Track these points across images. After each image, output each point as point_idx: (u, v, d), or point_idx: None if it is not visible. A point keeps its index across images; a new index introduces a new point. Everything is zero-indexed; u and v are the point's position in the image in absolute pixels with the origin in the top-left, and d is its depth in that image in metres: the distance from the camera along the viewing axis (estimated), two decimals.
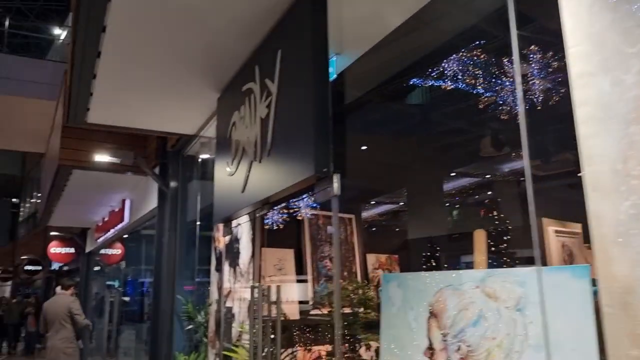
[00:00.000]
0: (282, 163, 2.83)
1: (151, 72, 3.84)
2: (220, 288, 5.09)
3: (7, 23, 17.55)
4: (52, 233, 12.30)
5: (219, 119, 4.11)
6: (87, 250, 11.96)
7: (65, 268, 15.50)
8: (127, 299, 8.51)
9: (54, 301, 6.51)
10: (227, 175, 3.75)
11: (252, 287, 3.35)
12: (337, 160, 2.49)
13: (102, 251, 11.89)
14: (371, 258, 5.50)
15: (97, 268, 12.46)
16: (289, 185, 2.71)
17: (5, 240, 26.17)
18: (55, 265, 15.52)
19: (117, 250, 11.94)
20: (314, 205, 4.45)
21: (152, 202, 6.64)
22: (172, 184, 5.85)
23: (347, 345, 3.96)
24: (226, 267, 4.96)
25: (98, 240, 10.37)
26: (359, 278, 5.14)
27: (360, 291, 4.53)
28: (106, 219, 9.45)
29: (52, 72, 14.12)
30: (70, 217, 10.50)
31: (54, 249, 12.36)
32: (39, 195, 21.55)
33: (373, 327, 4.06)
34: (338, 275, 2.42)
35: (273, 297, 3.28)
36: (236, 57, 3.56)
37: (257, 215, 3.46)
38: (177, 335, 5.39)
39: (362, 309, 4.37)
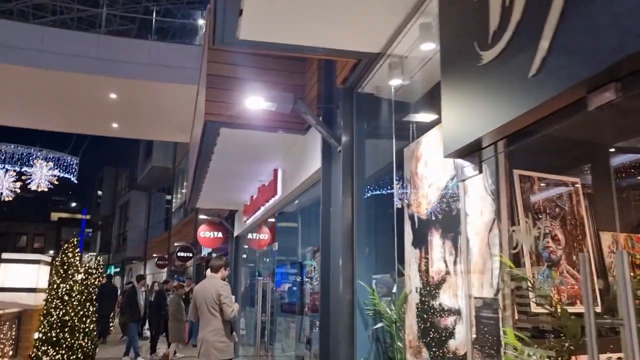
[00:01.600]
0: None
1: None
2: (424, 271, 3.50)
3: (154, 11, 17.91)
4: (201, 217, 11.83)
5: None
6: (235, 234, 11.26)
7: (214, 255, 15.31)
8: (280, 286, 7.34)
9: (202, 285, 5.46)
10: (477, 66, 2.11)
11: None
12: None
13: (249, 236, 11.10)
14: (606, 237, 3.58)
15: (244, 256, 11.76)
16: None
17: (161, 229, 27.80)
18: (205, 252, 15.38)
19: (264, 235, 11.07)
20: None
21: (312, 166, 5.28)
22: (344, 137, 4.38)
23: None
24: (436, 239, 3.34)
25: (247, 222, 9.47)
26: (592, 263, 3.29)
27: None
28: (255, 197, 8.43)
29: (199, 56, 13.82)
30: (217, 198, 9.76)
31: (203, 232, 11.92)
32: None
33: None
34: None
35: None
36: None
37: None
38: (359, 336, 3.90)
39: None
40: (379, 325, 3.70)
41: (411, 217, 3.69)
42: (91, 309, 10.36)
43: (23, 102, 15.09)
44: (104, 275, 17.76)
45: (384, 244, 4.16)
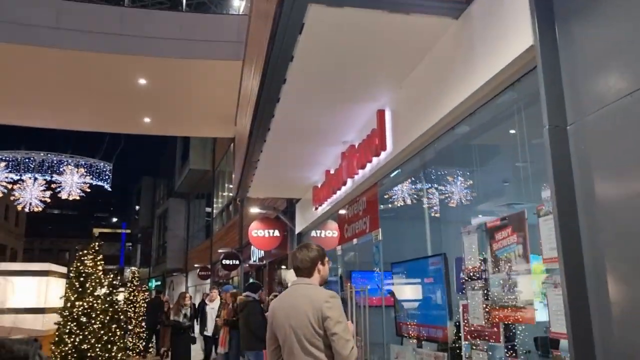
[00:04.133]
0: None
1: None
2: None
3: None
4: (253, 210, 9.38)
5: None
6: (298, 230, 8.77)
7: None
8: (388, 294, 4.78)
9: (287, 302, 2.91)
10: None
11: None
12: None
13: (313, 234, 8.64)
14: None
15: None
16: None
17: (201, 238, 25.73)
18: (254, 258, 12.97)
19: (332, 232, 8.60)
20: None
21: (494, 62, 2.74)
22: None
23: None
24: None
25: (318, 210, 6.96)
26: None
27: None
28: (334, 171, 5.92)
29: (237, 27, 11.61)
30: (276, 180, 7.29)
31: (256, 231, 9.48)
32: (230, 186, 20.07)
33: None
34: None
35: None
36: None
37: None
38: None
39: None
40: None
41: None
42: (118, 333, 8.00)
43: (46, 97, 13.15)
44: (143, 289, 15.64)
45: None
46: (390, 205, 4.94)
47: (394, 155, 4.18)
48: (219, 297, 9.33)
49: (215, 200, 23.07)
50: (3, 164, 20.49)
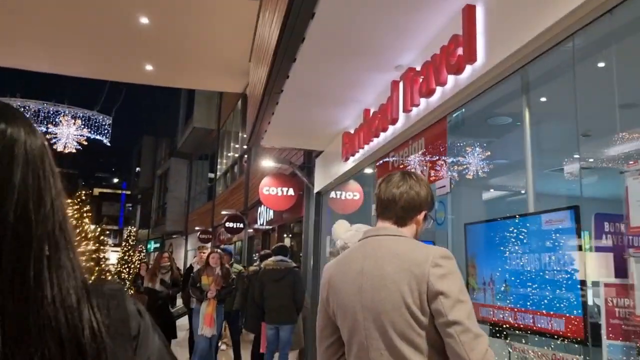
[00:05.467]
0: None
1: None
2: None
3: None
4: (265, 164, 8.17)
5: None
6: (317, 189, 7.57)
7: (268, 226, 11.69)
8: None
9: (360, 264, 1.67)
10: None
11: None
12: None
13: (332, 195, 7.47)
14: None
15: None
16: None
17: (203, 200, 24.66)
18: (261, 221, 11.85)
19: (353, 194, 7.44)
20: None
21: None
22: None
23: None
24: None
25: (348, 161, 5.74)
26: None
27: None
28: (377, 109, 4.68)
29: None
30: (297, 124, 6.05)
31: (267, 188, 8.26)
32: (237, 146, 18.86)
33: None
34: None
35: None
36: None
37: None
38: None
39: None
40: None
41: None
42: None
43: (38, 32, 11.78)
44: (139, 249, 14.66)
45: None
46: (460, 146, 3.71)
47: (486, 70, 2.93)
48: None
49: (219, 160, 21.90)
50: None
